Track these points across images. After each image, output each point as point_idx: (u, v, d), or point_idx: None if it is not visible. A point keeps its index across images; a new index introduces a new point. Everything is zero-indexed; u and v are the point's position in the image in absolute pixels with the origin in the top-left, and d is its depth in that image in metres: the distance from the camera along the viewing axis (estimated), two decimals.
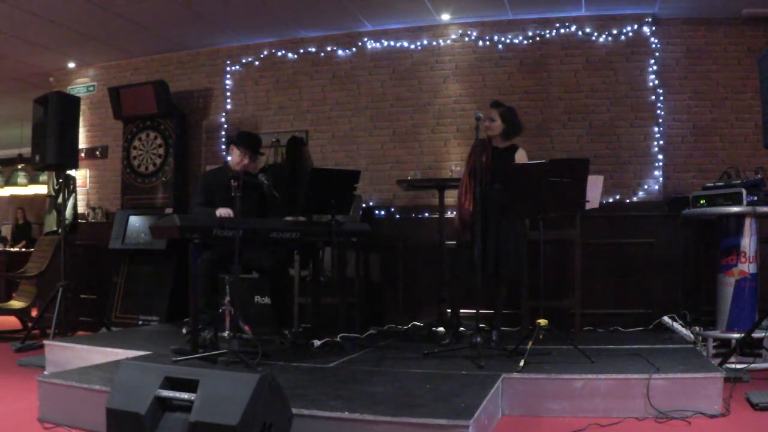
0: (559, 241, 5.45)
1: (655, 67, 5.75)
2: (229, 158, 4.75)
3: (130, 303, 6.44)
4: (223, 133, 6.81)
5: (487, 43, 6.11)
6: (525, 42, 6.02)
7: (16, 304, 6.62)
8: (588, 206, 4.08)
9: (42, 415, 3.27)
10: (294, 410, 2.70)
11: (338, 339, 4.70)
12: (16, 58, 7.07)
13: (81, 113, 6.05)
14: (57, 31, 6.29)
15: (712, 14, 5.65)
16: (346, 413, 2.71)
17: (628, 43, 5.82)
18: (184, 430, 2.46)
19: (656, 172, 5.72)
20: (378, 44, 6.38)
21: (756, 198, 4.41)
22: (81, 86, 7.48)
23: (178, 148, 6.81)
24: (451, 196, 5.71)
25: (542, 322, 3.78)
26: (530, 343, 3.69)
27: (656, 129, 5.73)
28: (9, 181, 10.27)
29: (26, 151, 8.59)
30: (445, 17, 6.10)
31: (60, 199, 6.05)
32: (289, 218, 4.52)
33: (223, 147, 6.78)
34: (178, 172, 6.78)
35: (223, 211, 4.21)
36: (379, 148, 6.35)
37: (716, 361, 4.03)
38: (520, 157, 4.45)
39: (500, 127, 4.42)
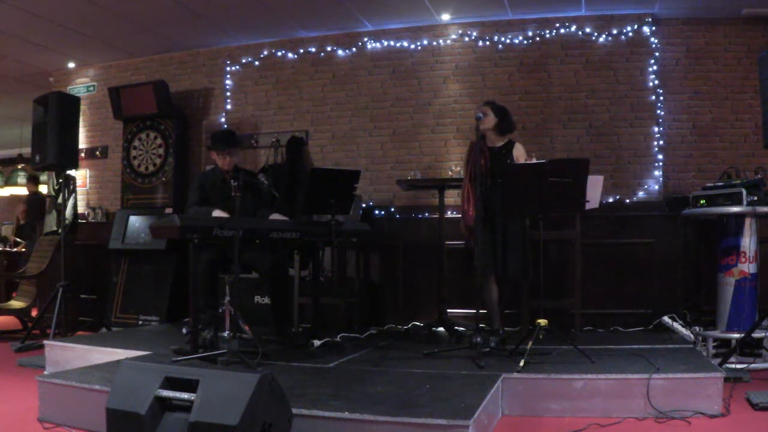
0: (559, 241, 5.45)
1: (655, 67, 5.75)
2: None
3: (130, 303, 6.44)
4: None
5: (487, 43, 6.11)
6: (525, 42, 6.02)
7: (16, 304, 6.62)
8: (588, 206, 4.08)
9: (42, 415, 3.27)
10: (294, 410, 2.70)
11: (338, 339, 4.70)
12: (16, 58, 7.07)
13: (81, 113, 6.05)
14: (57, 31, 6.29)
15: (712, 14, 5.65)
16: (346, 413, 2.71)
17: (628, 43, 5.82)
18: (184, 430, 2.46)
19: (656, 172, 5.72)
20: (378, 44, 6.38)
21: (756, 198, 4.41)
22: (81, 86, 7.48)
23: (178, 148, 6.81)
24: (451, 196, 5.72)
25: (542, 322, 3.77)
26: (530, 343, 3.69)
27: (656, 129, 5.73)
28: (9, 181, 10.27)
29: (26, 151, 8.59)
30: (445, 17, 6.10)
31: (60, 199, 6.05)
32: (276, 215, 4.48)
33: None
34: (178, 172, 6.78)
35: (218, 213, 4.22)
36: (379, 148, 6.35)
37: (716, 361, 4.03)
38: (518, 151, 4.41)
39: (493, 121, 4.37)
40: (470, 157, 4.35)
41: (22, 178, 10.12)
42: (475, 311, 4.04)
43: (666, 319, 4.90)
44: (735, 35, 5.69)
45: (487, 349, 4.01)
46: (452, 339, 4.88)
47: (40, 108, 5.72)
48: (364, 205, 6.18)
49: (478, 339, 3.84)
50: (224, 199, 4.28)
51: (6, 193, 10.78)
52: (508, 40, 6.05)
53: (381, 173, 6.31)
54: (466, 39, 6.17)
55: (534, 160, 4.37)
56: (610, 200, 5.71)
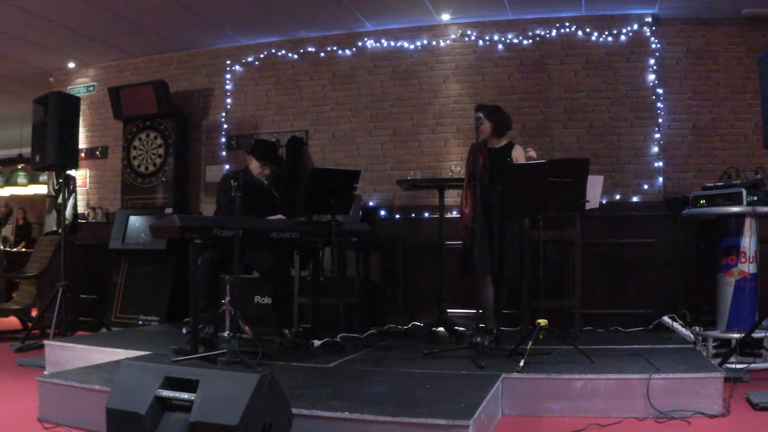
0: (559, 241, 5.44)
1: (655, 67, 5.75)
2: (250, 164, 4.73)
3: (130, 303, 6.44)
4: (223, 133, 6.82)
5: (487, 43, 6.11)
6: (525, 42, 6.02)
7: (16, 304, 6.62)
8: (588, 206, 4.08)
9: (42, 415, 3.27)
10: (294, 410, 2.70)
11: (338, 339, 4.70)
12: (16, 58, 7.07)
13: (81, 113, 6.05)
14: (57, 31, 6.29)
15: (712, 14, 5.66)
16: (346, 413, 2.71)
17: (628, 43, 5.82)
18: (184, 430, 2.46)
19: (656, 172, 5.72)
20: (378, 44, 6.38)
21: (756, 198, 4.41)
22: (81, 86, 7.48)
23: (178, 148, 6.81)
24: (451, 196, 5.72)
25: (542, 322, 3.77)
26: (530, 343, 3.69)
27: (656, 129, 5.73)
28: (9, 181, 10.28)
29: (26, 151, 8.58)
30: (445, 17, 6.10)
31: (60, 199, 6.05)
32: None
33: (223, 147, 6.80)
34: (178, 172, 6.78)
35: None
36: (379, 148, 6.35)
37: (716, 361, 4.02)
38: (517, 153, 4.44)
39: (489, 127, 4.43)
40: (470, 157, 4.36)
41: (22, 178, 10.12)
42: (475, 311, 4.04)
43: (666, 319, 4.90)
44: (735, 35, 5.69)
45: (489, 343, 4.02)
46: (452, 339, 4.88)
47: (40, 108, 5.72)
48: (364, 205, 6.18)
49: (478, 339, 3.84)
50: (261, 200, 4.39)
51: (6, 193, 10.76)
52: (508, 40, 6.05)
53: (381, 173, 6.31)
54: (466, 39, 6.17)
55: (531, 152, 4.40)
56: (610, 200, 5.71)
